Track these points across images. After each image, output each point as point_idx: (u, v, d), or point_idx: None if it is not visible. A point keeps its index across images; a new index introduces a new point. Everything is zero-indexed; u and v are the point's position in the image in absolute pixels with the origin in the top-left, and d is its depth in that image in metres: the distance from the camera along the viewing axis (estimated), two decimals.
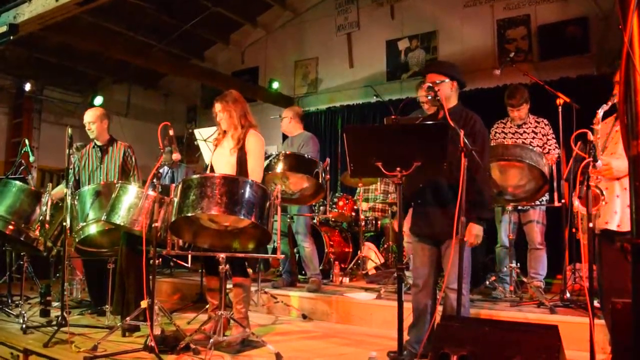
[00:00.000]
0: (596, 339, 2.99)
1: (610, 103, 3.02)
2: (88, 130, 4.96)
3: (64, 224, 4.27)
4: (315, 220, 6.62)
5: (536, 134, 4.88)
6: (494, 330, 2.24)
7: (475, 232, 3.21)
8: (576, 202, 3.02)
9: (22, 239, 4.66)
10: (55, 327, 3.96)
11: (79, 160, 5.07)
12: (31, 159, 5.84)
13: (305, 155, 4.97)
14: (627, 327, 1.96)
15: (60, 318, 4.04)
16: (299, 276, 6.01)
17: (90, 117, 4.95)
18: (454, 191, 3.11)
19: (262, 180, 4.03)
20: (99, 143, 4.98)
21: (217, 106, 4.06)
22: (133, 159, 5.00)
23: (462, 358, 2.15)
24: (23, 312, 4.45)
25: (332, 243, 6.53)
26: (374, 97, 8.43)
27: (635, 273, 1.95)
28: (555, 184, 4.54)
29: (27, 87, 8.87)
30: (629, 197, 2.02)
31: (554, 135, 4.90)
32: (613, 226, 2.97)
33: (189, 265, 5.98)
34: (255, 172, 3.97)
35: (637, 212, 1.97)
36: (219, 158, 4.13)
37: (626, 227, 2.85)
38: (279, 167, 4.78)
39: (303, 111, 5.98)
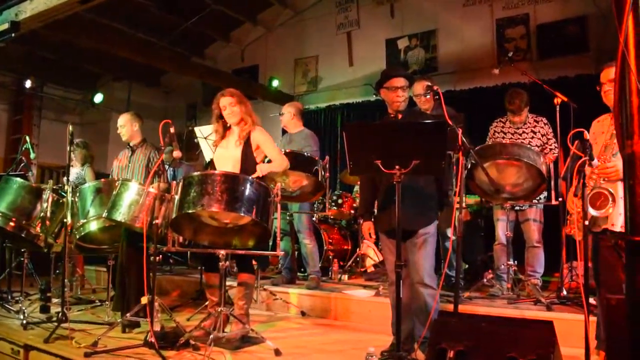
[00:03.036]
0: (592, 336, 3.03)
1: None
2: (119, 133, 4.98)
3: (65, 220, 4.29)
4: (314, 218, 6.65)
5: (535, 133, 4.91)
6: (491, 326, 2.27)
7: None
8: (592, 211, 3.00)
9: (23, 235, 4.70)
10: (56, 323, 3.99)
11: (116, 159, 5.08)
12: (32, 155, 5.86)
13: (305, 153, 5.00)
14: (621, 323, 2.00)
15: (60, 314, 4.07)
16: (298, 273, 6.04)
17: (120, 120, 4.95)
18: (419, 188, 3.41)
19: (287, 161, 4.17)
20: (131, 144, 4.99)
21: (227, 99, 4.07)
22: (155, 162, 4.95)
23: (459, 353, 2.18)
24: (23, 308, 4.48)
25: (331, 241, 6.56)
26: (374, 96, 8.45)
27: (629, 269, 1.98)
28: (552, 183, 4.57)
29: (28, 84, 8.88)
30: (623, 195, 2.05)
31: (553, 135, 4.92)
32: (618, 227, 3.00)
33: (189, 262, 6.02)
34: (277, 159, 4.08)
35: (632, 210, 2.00)
36: (222, 154, 4.16)
37: None
38: None
39: (303, 108, 5.99)
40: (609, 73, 3.16)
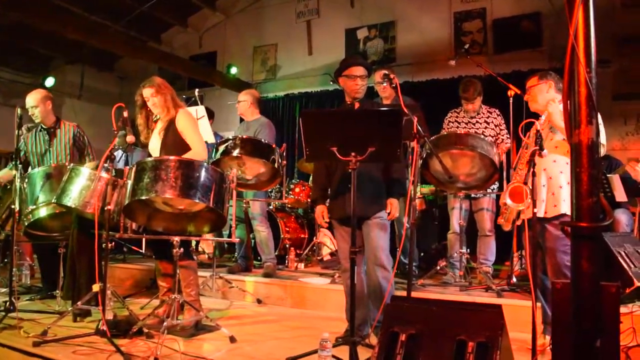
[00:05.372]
0: (539, 321, 3.14)
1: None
2: (32, 115, 4.81)
3: (13, 207, 4.15)
4: (271, 206, 6.63)
5: (488, 124, 5.02)
6: (442, 310, 2.32)
7: (398, 206, 3.56)
8: (508, 201, 3.21)
9: None
10: (3, 313, 3.86)
11: (25, 144, 4.91)
12: None
13: (262, 140, 4.97)
14: (566, 306, 2.07)
15: (8, 303, 3.94)
16: (254, 261, 6.03)
17: (32, 101, 4.78)
18: (372, 175, 3.49)
19: (206, 152, 4.04)
20: (45, 126, 4.84)
21: (148, 91, 3.94)
22: (85, 138, 4.87)
23: (411, 336, 2.22)
24: None
25: (287, 229, 6.56)
26: (331, 84, 8.46)
27: (575, 254, 2.05)
28: (505, 173, 4.68)
29: None
30: (571, 183, 2.11)
31: (505, 125, 5.05)
32: (541, 213, 3.22)
33: (143, 250, 5.91)
34: (197, 148, 3.90)
35: (578, 197, 2.07)
36: (153, 143, 4.03)
37: (551, 213, 3.26)
38: (236, 152, 4.77)
39: (261, 96, 5.95)
40: (529, 83, 3.43)
